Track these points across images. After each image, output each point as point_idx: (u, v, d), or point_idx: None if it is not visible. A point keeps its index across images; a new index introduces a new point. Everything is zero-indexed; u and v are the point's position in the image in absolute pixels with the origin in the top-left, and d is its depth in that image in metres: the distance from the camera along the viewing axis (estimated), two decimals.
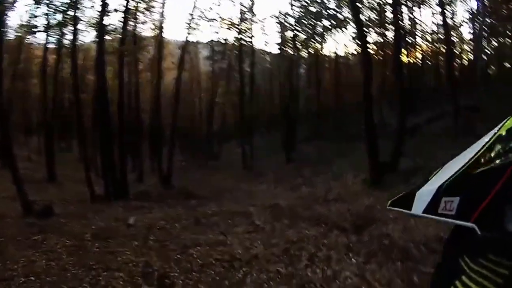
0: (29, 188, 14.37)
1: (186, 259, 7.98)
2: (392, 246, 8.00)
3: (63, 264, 7.55)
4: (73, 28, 21.41)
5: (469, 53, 37.96)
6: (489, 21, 29.68)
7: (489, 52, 33.02)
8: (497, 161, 0.90)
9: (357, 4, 21.60)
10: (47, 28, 26.49)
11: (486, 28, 29.38)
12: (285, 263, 7.48)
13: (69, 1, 22.61)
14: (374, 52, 34.31)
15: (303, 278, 6.61)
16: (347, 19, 37.39)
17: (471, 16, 33.01)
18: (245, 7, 38.12)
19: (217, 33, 42.19)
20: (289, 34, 40.49)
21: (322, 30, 41.12)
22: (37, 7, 25.67)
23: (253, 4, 38.66)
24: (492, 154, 0.96)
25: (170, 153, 25.13)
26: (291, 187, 19.91)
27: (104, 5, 19.27)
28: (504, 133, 0.99)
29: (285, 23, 40.56)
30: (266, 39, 60.54)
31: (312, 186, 18.73)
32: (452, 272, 0.91)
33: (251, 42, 40.18)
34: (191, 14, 27.49)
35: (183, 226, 11.44)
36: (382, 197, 13.00)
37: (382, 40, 34.95)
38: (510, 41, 31.27)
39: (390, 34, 32.93)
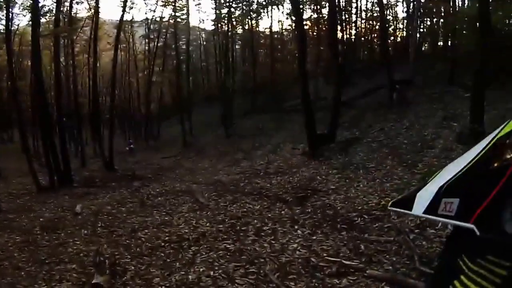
0: None
1: (135, 243, 8.09)
2: (335, 216, 8.40)
3: (16, 262, 7.45)
4: (5, 12, 20.46)
5: (403, 31, 39.34)
6: (423, 0, 30.65)
7: (422, 31, 34.25)
8: (497, 163, 0.91)
9: None
10: None
11: (420, 8, 30.27)
12: (233, 239, 7.71)
13: None
14: (309, 28, 34.85)
15: (252, 253, 6.83)
16: None
17: None
18: None
19: (153, 11, 41.54)
20: (224, 11, 40.45)
21: (257, 6, 41.34)
22: None
23: None
24: (492, 156, 0.96)
25: (111, 135, 24.68)
26: (232, 162, 20.01)
27: None
28: (503, 136, 1.00)
29: (221, 0, 40.44)
30: (201, 16, 59.93)
31: (252, 160, 18.95)
32: (451, 272, 0.93)
33: (186, 19, 39.96)
34: None
35: (129, 210, 11.49)
36: (321, 168, 13.55)
37: (316, 16, 35.39)
38: (442, 20, 32.38)
39: (325, 11, 33.56)
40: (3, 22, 24.43)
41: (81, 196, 14.39)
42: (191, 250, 7.37)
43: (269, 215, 9.16)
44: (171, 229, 8.86)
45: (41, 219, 10.92)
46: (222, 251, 7.12)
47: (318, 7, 34.95)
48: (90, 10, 30.29)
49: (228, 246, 7.37)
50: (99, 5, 27.23)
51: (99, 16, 28.12)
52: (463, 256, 0.90)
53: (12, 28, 21.47)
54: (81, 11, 29.86)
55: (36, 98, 20.04)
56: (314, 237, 7.36)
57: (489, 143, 1.03)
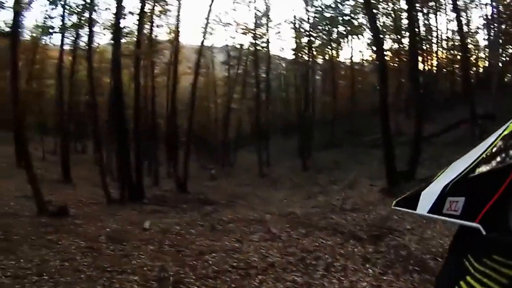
0: (44, 188, 14.44)
1: (201, 265, 7.95)
2: (409, 257, 7.91)
3: (77, 265, 7.55)
4: (88, 30, 21.38)
5: (484, 60, 37.86)
6: (504, 27, 29.42)
7: (504, 59, 32.75)
8: (503, 162, 0.88)
9: (373, 10, 21.47)
10: (63, 29, 26.59)
11: (501, 35, 29.09)
12: (301, 272, 7.41)
13: (84, 3, 22.70)
14: (389, 59, 34.19)
15: None
16: (362, 25, 37.49)
17: (486, 23, 32.96)
18: (260, 12, 38.33)
19: (232, 38, 42.36)
20: (305, 40, 40.34)
21: (337, 36, 41.19)
22: (53, 8, 25.86)
23: (268, 9, 38.73)
24: (498, 155, 0.94)
25: (186, 158, 25.00)
26: (307, 195, 19.68)
27: (120, 7, 19.28)
28: (508, 134, 0.98)
29: (301, 29, 40.49)
30: (281, 44, 60.52)
31: (328, 195, 18.50)
32: (457, 273, 0.90)
33: (266, 47, 40.32)
34: (207, 19, 27.36)
35: (199, 232, 11.40)
36: None
37: (397, 47, 34.74)
38: None
39: (405, 41, 32.84)
40: (85, 39, 25.61)
41: (150, 213, 14.64)
42: (258, 279, 7.17)
43: (341, 251, 8.77)
44: (239, 255, 8.67)
45: (107, 229, 11.08)
46: (290, 283, 6.85)
47: (399, 37, 34.20)
48: (171, 33, 31.23)
49: (296, 278, 7.08)
50: (179, 29, 28.01)
51: (179, 40, 28.85)
52: (469, 256, 0.87)
53: (92, 45, 22.23)
54: (162, 34, 30.61)
55: (114, 113, 20.58)
56: (385, 277, 6.98)
57: (494, 141, 1.01)
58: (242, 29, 38.85)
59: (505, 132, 0.99)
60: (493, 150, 0.97)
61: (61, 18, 26.15)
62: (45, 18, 27.44)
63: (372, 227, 10.81)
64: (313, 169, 28.04)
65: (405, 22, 30.85)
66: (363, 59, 46.02)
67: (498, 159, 0.91)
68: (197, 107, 35.24)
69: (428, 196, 1.10)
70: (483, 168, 0.92)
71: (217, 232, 11.52)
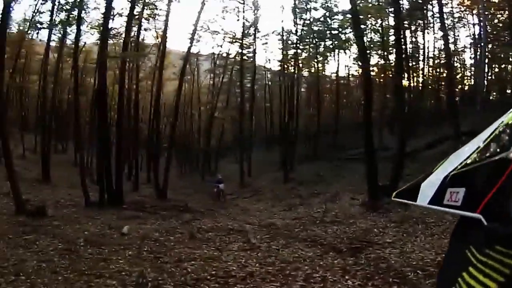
0: (23, 187, 14.33)
1: (180, 272, 7.88)
2: (389, 269, 7.93)
3: (54, 266, 7.49)
4: (76, 28, 21.20)
5: (470, 78, 38.48)
6: (490, 46, 29.88)
7: (490, 77, 33.40)
8: (503, 151, 0.85)
9: (361, 26, 21.69)
10: (50, 25, 26.47)
11: (487, 54, 29.55)
12: (281, 282, 7.36)
13: (74, 0, 22.61)
14: (375, 74, 34.53)
15: None
16: (350, 40, 37.87)
17: (472, 42, 33.68)
18: (248, 22, 38.49)
19: (219, 46, 42.45)
20: (291, 52, 40.70)
21: (324, 50, 41.54)
22: (43, 3, 25.77)
23: (257, 20, 38.88)
24: (498, 144, 0.93)
25: (167, 164, 24.83)
26: (288, 206, 19.65)
27: (109, 7, 19.23)
28: (510, 123, 0.96)
29: (288, 41, 41.00)
30: (267, 55, 60.66)
31: (309, 207, 18.53)
32: (459, 264, 0.89)
33: (253, 57, 40.55)
34: (195, 25, 27.38)
35: (178, 240, 11.36)
36: (379, 220, 13.11)
37: (383, 62, 35.08)
38: (510, 67, 31.47)
39: (392, 57, 33.20)
40: (71, 36, 25.55)
41: (129, 218, 14.51)
42: (237, 287, 7.10)
43: (321, 263, 8.71)
44: (219, 264, 8.60)
45: (85, 232, 11.02)
46: None
47: (385, 53, 34.54)
48: (158, 38, 31.23)
49: None
50: (166, 34, 28.01)
51: (166, 45, 28.87)
52: (471, 247, 0.87)
53: (79, 44, 22.12)
54: (148, 37, 30.57)
55: (98, 115, 20.41)
56: None
57: (494, 131, 1.01)
58: (230, 38, 39.16)
59: (506, 121, 0.99)
60: (494, 140, 0.98)
61: (50, 13, 26.10)
62: (34, 12, 27.36)
63: (353, 240, 10.81)
64: (295, 181, 28.03)
65: (392, 38, 31.09)
66: (349, 74, 46.45)
67: (498, 149, 0.90)
68: (180, 114, 35.17)
69: (428, 188, 1.11)
70: (483, 158, 0.93)
71: (196, 240, 11.45)
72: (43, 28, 28.94)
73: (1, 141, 13.78)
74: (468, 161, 1.00)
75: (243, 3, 36.56)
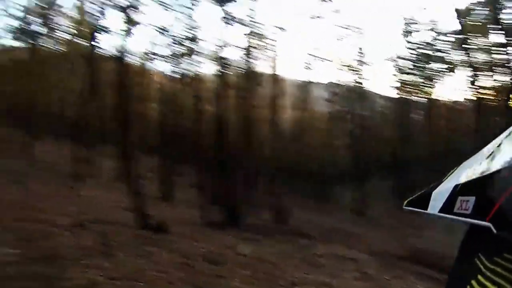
0: (145, 204, 14.96)
1: None
2: None
3: (171, 278, 7.65)
4: (192, 59, 22.24)
5: None
6: None
7: None
8: None
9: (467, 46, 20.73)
10: (167, 57, 28.18)
11: None
12: None
13: (188, 34, 24.08)
14: (488, 96, 32.36)
15: None
16: (461, 63, 36.13)
17: None
18: (362, 49, 38.32)
19: (333, 74, 42.75)
20: (404, 77, 40.15)
21: (434, 73, 40.11)
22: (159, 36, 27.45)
23: (370, 47, 38.92)
24: (508, 152, 0.91)
25: (286, 190, 25.18)
26: (403, 236, 19.47)
27: (226, 41, 20.01)
28: None
29: (401, 66, 40.20)
30: (380, 81, 60.40)
31: (422, 237, 18.43)
32: (468, 272, 0.90)
33: (367, 84, 40.85)
34: (309, 54, 27.72)
35: (293, 264, 11.38)
36: None
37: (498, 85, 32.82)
38: None
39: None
40: (189, 67, 27.59)
41: (246, 240, 14.60)
42: None
43: None
44: None
45: (202, 249, 11.18)
46: None
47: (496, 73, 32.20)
48: (273, 67, 31.88)
49: None
50: (280, 63, 28.67)
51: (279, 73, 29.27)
52: (480, 255, 0.89)
53: (197, 74, 24.38)
54: (264, 66, 31.10)
55: (218, 141, 21.29)
56: None
57: (504, 139, 1.01)
58: (344, 65, 39.21)
59: None
60: (503, 148, 0.97)
61: (167, 46, 27.76)
62: (150, 44, 29.28)
63: None
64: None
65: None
66: (462, 98, 44.21)
67: (508, 157, 0.88)
68: (296, 141, 35.42)
69: (439, 196, 1.12)
70: (493, 167, 0.91)
71: (310, 265, 11.46)
72: (159, 59, 30.88)
73: (125, 161, 14.65)
74: (478, 170, 0.99)
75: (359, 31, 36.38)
